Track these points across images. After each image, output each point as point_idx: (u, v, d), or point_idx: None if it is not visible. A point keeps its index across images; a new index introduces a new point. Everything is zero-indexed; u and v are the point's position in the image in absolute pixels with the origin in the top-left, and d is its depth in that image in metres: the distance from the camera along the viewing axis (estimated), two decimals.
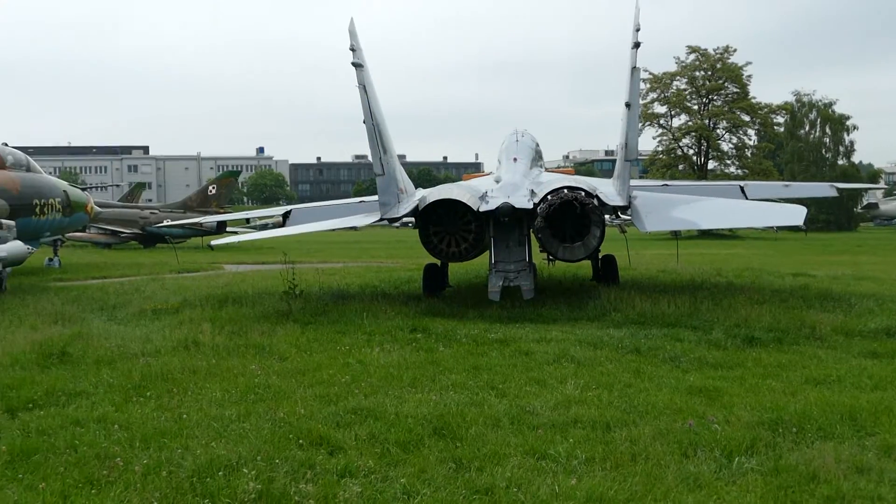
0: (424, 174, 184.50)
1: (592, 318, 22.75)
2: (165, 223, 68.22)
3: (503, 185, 26.53)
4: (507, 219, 24.48)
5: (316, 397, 14.18)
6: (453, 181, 53.40)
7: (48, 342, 18.85)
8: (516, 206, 24.51)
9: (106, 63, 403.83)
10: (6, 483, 10.09)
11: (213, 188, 77.27)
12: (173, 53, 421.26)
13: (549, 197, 24.36)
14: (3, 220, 30.61)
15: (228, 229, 69.98)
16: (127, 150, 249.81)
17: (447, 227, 25.17)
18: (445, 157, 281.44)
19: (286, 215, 31.69)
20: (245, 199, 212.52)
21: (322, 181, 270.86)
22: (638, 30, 25.64)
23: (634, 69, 25.61)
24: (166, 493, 9.59)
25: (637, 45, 25.45)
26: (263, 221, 73.89)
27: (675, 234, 73.16)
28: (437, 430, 12.04)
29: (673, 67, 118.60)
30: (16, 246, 30.80)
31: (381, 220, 26.59)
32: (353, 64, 24.92)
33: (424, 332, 20.66)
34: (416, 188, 29.01)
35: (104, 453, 11.03)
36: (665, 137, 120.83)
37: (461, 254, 25.42)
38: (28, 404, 13.80)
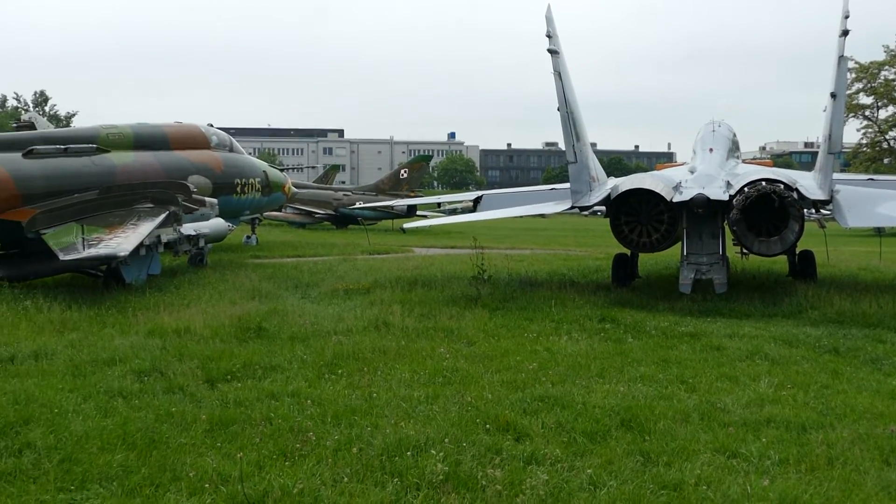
0: (615, 163, 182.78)
1: (788, 315, 21.98)
2: (358, 205, 69.73)
3: (698, 176, 25.93)
4: (702, 210, 23.88)
5: (503, 383, 14.21)
6: (645, 171, 52.56)
7: (246, 317, 19.57)
8: (711, 197, 23.90)
9: (307, 49, 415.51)
10: (205, 451, 10.50)
11: (405, 172, 78.39)
12: (371, 39, 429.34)
13: (745, 189, 23.62)
14: (207, 198, 31.83)
15: (418, 213, 70.85)
16: (323, 132, 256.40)
17: (639, 216, 24.76)
18: (637, 147, 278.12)
19: (477, 201, 31.84)
20: (435, 183, 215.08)
21: (512, 167, 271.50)
22: (847, 17, 24.59)
23: (842, 58, 24.58)
24: (357, 470, 9.78)
25: (845, 33, 24.42)
26: (453, 206, 74.62)
27: (879, 231, 70.08)
28: (625, 422, 11.88)
29: (881, 56, 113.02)
30: (217, 223, 32.07)
31: (572, 208, 26.42)
32: (549, 51, 24.79)
33: (613, 323, 20.43)
34: (607, 177, 28.70)
35: (297, 427, 11.35)
36: (870, 130, 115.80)
37: (652, 244, 24.98)
38: (227, 376, 14.36)
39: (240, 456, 9.74)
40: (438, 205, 46.93)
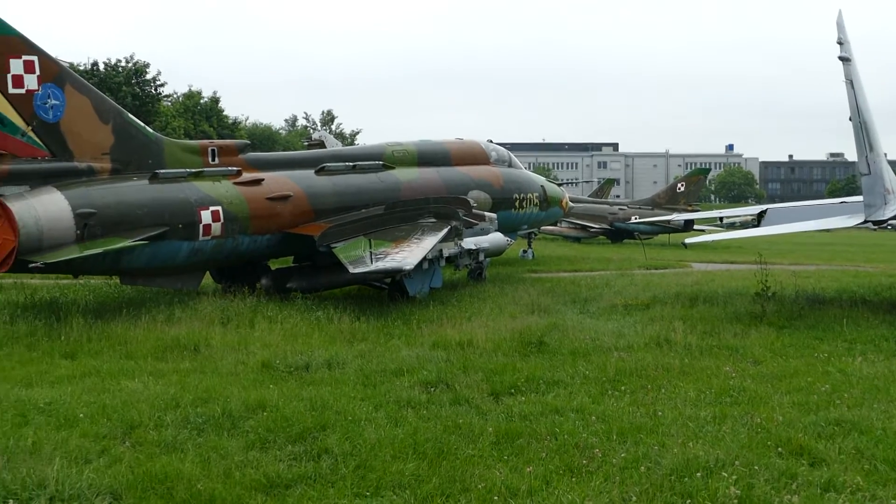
0: None
1: None
2: (634, 219, 68.97)
3: None
4: None
5: (794, 405, 13.69)
6: None
7: (527, 331, 19.74)
8: None
9: (580, 63, 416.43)
10: (493, 463, 10.67)
11: (682, 185, 76.94)
12: (645, 52, 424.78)
13: None
14: (486, 213, 32.38)
15: (696, 227, 69.32)
16: (597, 146, 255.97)
17: None
18: None
19: (761, 215, 30.79)
20: (712, 196, 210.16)
21: (793, 180, 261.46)
22: None
23: None
24: (645, 489, 9.67)
25: None
26: (731, 220, 72.60)
27: None
28: None
29: None
30: (497, 237, 32.53)
31: (865, 222, 25.10)
32: (841, 58, 23.72)
33: None
34: None
35: (583, 443, 11.34)
36: None
37: None
38: (510, 389, 14.55)
39: (529, 470, 9.82)
40: (720, 219, 45.66)
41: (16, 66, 21.10)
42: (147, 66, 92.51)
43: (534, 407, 13.32)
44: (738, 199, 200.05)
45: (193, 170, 25.01)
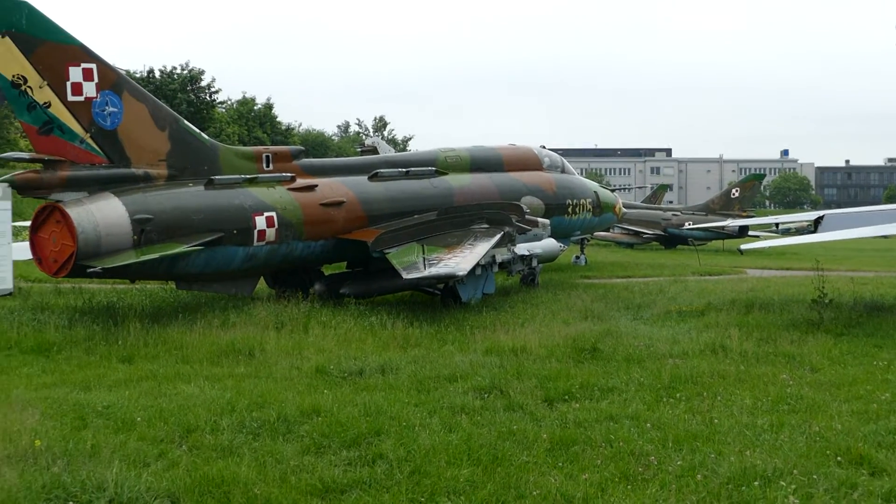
0: None
1: None
2: (687, 225, 68.53)
3: None
4: None
5: (852, 413, 13.50)
6: None
7: (580, 337, 19.67)
8: None
9: (632, 67, 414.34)
10: (548, 470, 10.63)
11: (737, 191, 76.29)
12: (697, 55, 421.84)
13: None
14: (539, 219, 32.35)
15: (750, 233, 68.74)
16: (650, 152, 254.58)
17: None
18: None
19: (818, 221, 30.42)
20: (767, 202, 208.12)
21: (850, 185, 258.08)
22: None
23: None
24: (702, 497, 9.60)
25: None
26: (787, 226, 71.84)
27: None
28: None
29: None
30: (550, 244, 32.47)
31: None
32: None
33: None
34: None
35: (638, 451, 11.27)
36: None
37: None
38: (564, 396, 14.49)
39: (584, 477, 9.78)
40: (776, 225, 45.27)
41: (75, 73, 21.43)
42: (202, 72, 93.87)
43: (588, 414, 13.25)
44: (793, 205, 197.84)
45: (248, 176, 25.21)
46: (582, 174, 45.46)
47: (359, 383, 15.62)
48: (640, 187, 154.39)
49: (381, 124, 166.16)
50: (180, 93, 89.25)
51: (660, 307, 26.52)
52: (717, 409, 13.61)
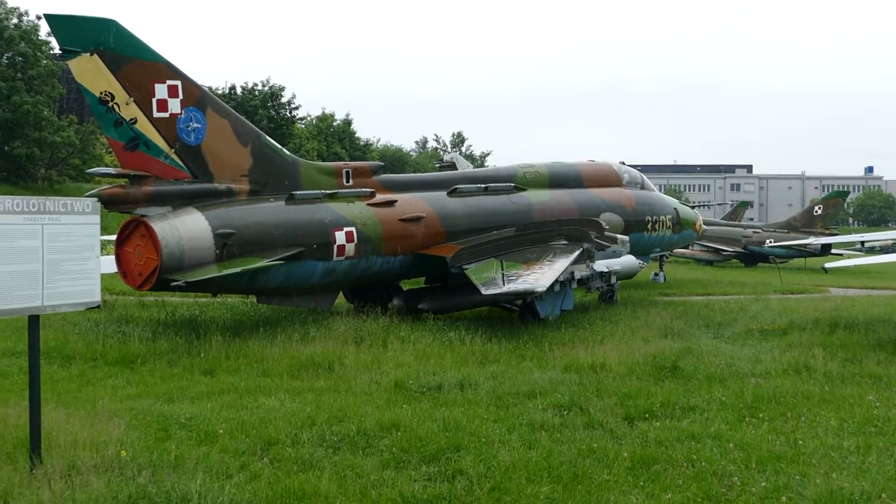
0: None
1: None
2: (768, 243, 67.56)
3: None
4: None
5: None
6: None
7: (660, 355, 19.47)
8: None
9: (712, 81, 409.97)
10: (629, 489, 10.54)
11: (819, 208, 75.17)
12: (781, 68, 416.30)
13: None
14: (618, 235, 32.15)
15: (833, 251, 67.58)
16: (730, 168, 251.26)
17: None
18: None
19: None
20: (850, 220, 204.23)
21: None
22: None
23: None
24: None
25: None
26: (872, 245, 70.38)
27: None
28: None
29: None
30: (629, 260, 32.22)
31: None
32: None
33: None
34: None
35: (721, 471, 11.11)
36: None
37: None
38: (645, 414, 14.35)
39: (667, 497, 9.66)
40: (862, 243, 44.39)
41: (160, 90, 21.85)
42: (282, 89, 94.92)
43: (669, 433, 13.10)
44: (877, 223, 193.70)
45: (329, 191, 25.44)
46: (661, 191, 45.16)
47: (437, 398, 15.64)
48: (720, 204, 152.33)
49: (458, 140, 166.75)
50: (261, 109, 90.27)
51: (741, 325, 26.16)
52: (801, 430, 13.36)
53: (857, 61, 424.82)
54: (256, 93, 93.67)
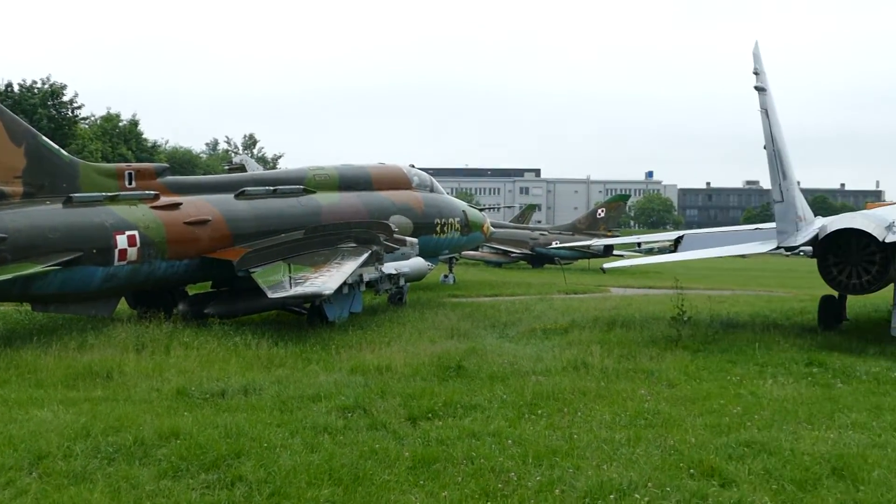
0: (820, 201, 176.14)
1: None
2: (554, 245, 69.55)
3: None
4: None
5: (706, 427, 13.91)
6: (851, 210, 50.50)
7: (446, 355, 19.78)
8: None
9: (503, 89, 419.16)
10: (409, 488, 10.65)
11: (602, 211, 77.94)
12: (564, 77, 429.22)
13: None
14: (408, 238, 32.42)
15: (615, 253, 70.17)
16: (519, 172, 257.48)
17: (849, 257, 23.80)
18: (843, 185, 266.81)
19: (678, 241, 31.30)
20: (632, 223, 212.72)
21: (711, 207, 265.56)
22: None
23: None
24: None
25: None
26: (649, 246, 73.52)
27: None
28: (836, 471, 11.47)
29: None
30: (418, 262, 32.54)
31: (778, 248, 25.60)
32: (756, 88, 24.32)
33: (821, 367, 19.72)
34: (814, 216, 27.79)
35: (499, 467, 11.38)
36: None
37: (862, 286, 23.92)
38: (428, 414, 14.54)
39: (444, 495, 9.81)
40: (638, 245, 46.40)
41: None
42: (64, 87, 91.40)
43: (451, 431, 13.31)
44: (656, 226, 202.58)
45: (109, 193, 24.61)
46: (452, 194, 45.82)
47: (220, 405, 15.38)
48: (508, 207, 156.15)
49: (250, 142, 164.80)
50: (41, 108, 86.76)
51: (525, 325, 26.85)
52: (577, 425, 13.84)
53: (641, 72, 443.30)
54: (36, 91, 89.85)
